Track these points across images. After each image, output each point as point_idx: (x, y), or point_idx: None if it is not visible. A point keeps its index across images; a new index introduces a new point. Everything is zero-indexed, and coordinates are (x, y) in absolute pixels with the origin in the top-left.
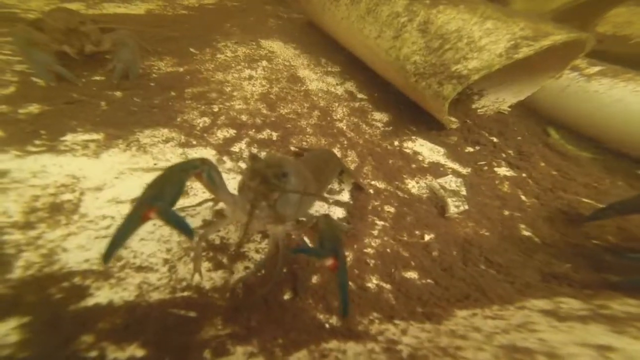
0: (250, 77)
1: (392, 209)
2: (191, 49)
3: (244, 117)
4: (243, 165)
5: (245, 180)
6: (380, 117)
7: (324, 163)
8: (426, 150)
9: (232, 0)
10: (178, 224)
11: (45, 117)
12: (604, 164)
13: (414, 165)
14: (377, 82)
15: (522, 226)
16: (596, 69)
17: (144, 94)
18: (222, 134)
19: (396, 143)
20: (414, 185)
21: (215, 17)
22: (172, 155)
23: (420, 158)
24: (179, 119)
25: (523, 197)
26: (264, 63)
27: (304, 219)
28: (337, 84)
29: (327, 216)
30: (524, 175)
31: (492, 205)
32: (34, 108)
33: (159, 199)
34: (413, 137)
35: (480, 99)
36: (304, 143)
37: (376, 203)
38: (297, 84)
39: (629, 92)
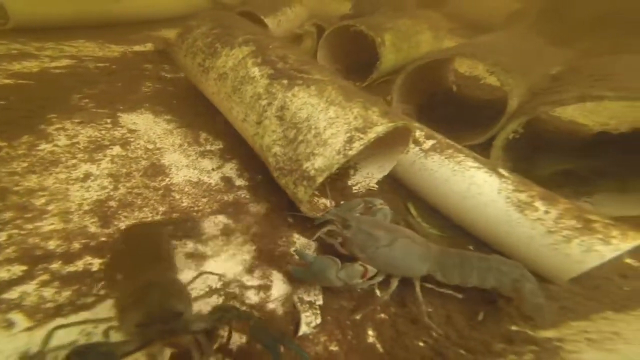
0: (86, 177)
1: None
2: None
3: (51, 244)
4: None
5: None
6: (257, 210)
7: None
8: (299, 247)
9: (98, 61)
10: None
11: None
12: (450, 241)
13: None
14: (261, 161)
15: (370, 332)
16: (430, 143)
17: None
18: None
19: (280, 241)
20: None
21: (61, 87)
22: None
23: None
24: None
25: (377, 291)
26: (116, 150)
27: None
28: (213, 169)
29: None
30: None
31: (347, 309)
32: None
33: None
34: (289, 233)
35: (355, 174)
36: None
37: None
38: (157, 177)
39: (451, 172)
